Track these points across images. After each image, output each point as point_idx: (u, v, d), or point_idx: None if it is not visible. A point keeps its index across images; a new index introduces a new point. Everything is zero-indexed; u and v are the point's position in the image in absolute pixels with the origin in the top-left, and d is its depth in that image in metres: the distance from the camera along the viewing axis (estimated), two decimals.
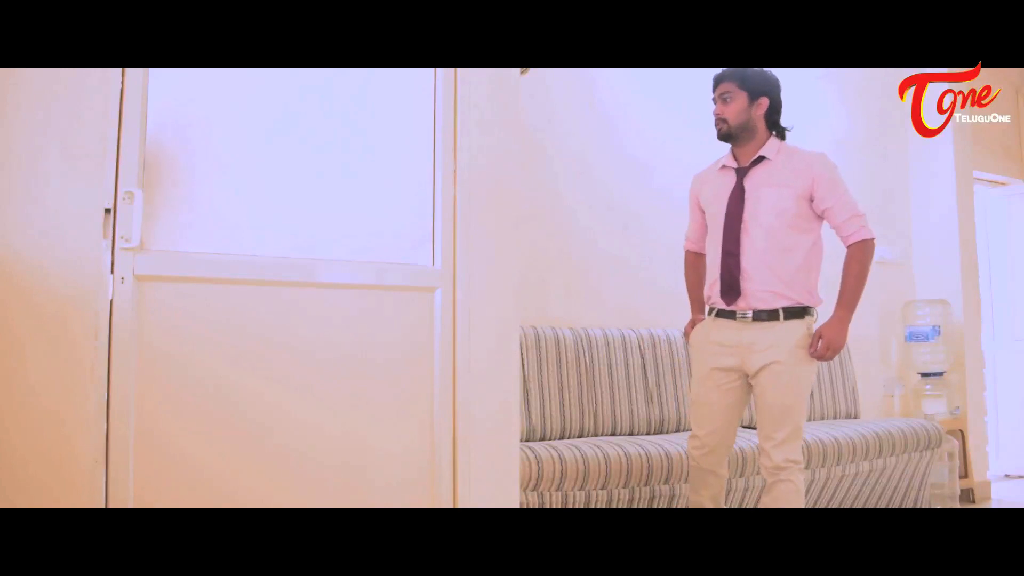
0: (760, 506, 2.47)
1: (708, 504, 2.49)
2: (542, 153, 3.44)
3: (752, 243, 2.38)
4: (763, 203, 2.39)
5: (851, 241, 2.41)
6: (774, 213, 2.38)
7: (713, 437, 2.43)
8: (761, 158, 2.44)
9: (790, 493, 2.31)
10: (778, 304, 2.36)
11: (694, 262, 2.67)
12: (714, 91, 2.48)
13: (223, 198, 1.92)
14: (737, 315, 2.40)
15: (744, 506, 3.00)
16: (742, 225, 2.39)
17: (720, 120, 2.45)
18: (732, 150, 2.51)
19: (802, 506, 2.34)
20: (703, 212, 2.57)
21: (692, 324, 2.63)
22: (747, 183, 2.43)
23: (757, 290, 2.37)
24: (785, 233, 2.38)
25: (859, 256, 2.40)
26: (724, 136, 2.47)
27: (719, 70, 2.49)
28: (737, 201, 2.41)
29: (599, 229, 3.57)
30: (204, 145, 1.91)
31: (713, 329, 2.46)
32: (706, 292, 2.52)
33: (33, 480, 1.69)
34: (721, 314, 2.44)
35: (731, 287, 2.39)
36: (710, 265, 2.49)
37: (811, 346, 2.35)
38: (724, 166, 2.52)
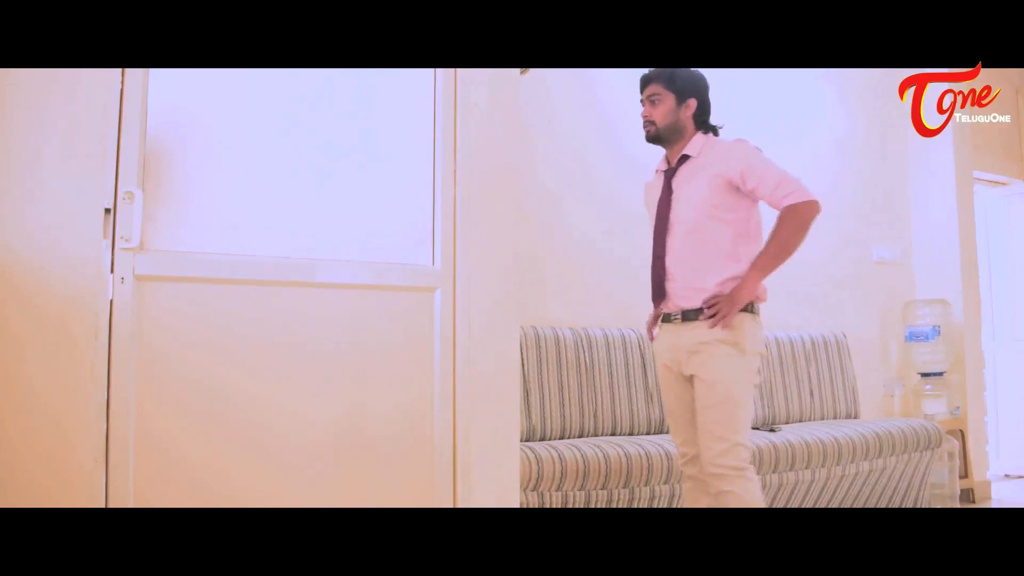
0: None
1: None
2: (542, 153, 3.44)
3: (674, 242, 2.34)
4: (683, 200, 2.34)
5: (782, 205, 2.27)
6: (691, 206, 2.32)
7: (689, 447, 2.36)
8: (685, 157, 2.39)
9: (732, 504, 2.15)
10: (700, 302, 2.28)
11: None
12: (641, 92, 2.44)
13: (223, 198, 1.92)
14: (672, 317, 2.36)
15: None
16: (668, 226, 2.36)
17: (648, 122, 2.41)
18: (665, 152, 2.48)
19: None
20: None
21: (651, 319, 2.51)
22: (674, 183, 2.39)
23: (680, 289, 2.32)
24: (704, 225, 2.30)
25: (788, 220, 2.26)
26: (653, 138, 2.43)
27: (665, 70, 2.41)
28: (665, 203, 2.38)
29: (599, 229, 3.57)
30: (204, 145, 1.91)
31: (659, 335, 2.44)
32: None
33: (33, 480, 1.69)
34: (663, 319, 2.41)
35: (658, 289, 2.37)
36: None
37: (706, 313, 2.24)
38: (658, 169, 2.50)
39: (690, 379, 2.32)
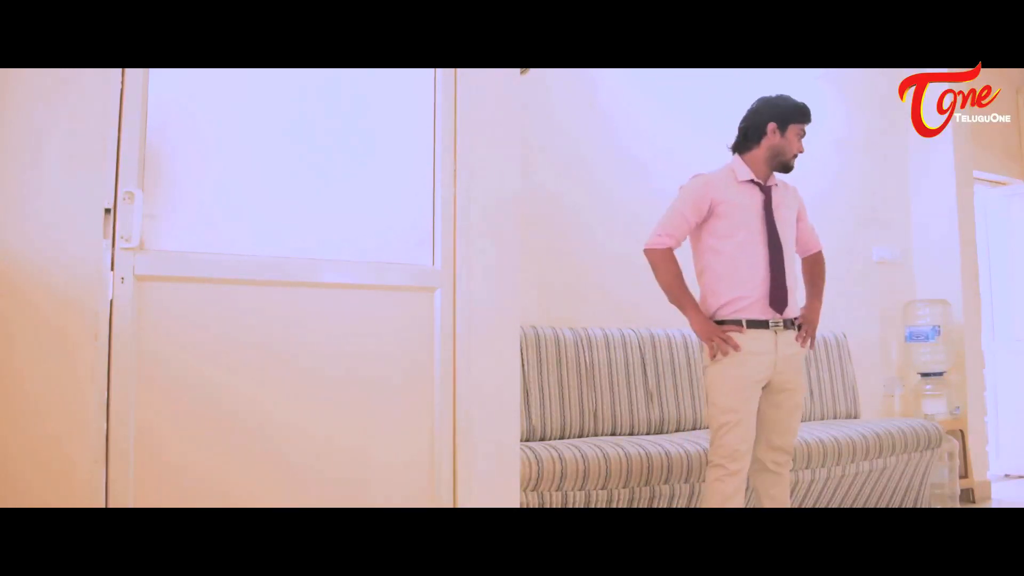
0: (767, 500, 2.58)
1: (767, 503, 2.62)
2: (542, 153, 3.44)
3: (786, 257, 2.56)
4: (783, 221, 2.58)
5: (817, 249, 2.80)
6: (790, 229, 2.61)
7: (751, 453, 2.52)
8: (775, 183, 2.64)
9: (785, 486, 2.59)
10: (798, 314, 2.61)
11: (673, 258, 2.56)
12: (803, 123, 2.59)
13: (223, 198, 1.92)
14: (770, 324, 2.48)
15: (746, 506, 3.00)
16: (780, 240, 2.53)
17: (798, 155, 2.61)
18: (747, 163, 2.58)
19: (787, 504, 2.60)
20: (712, 216, 2.51)
21: (714, 329, 2.45)
22: (773, 202, 2.58)
23: (792, 301, 2.55)
24: (792, 249, 2.63)
25: (823, 262, 2.82)
26: (791, 168, 2.62)
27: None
28: (771, 217, 2.55)
29: (599, 229, 3.57)
30: (204, 145, 1.91)
31: (749, 340, 2.44)
32: (735, 300, 2.46)
33: (33, 480, 1.69)
34: (753, 324, 2.46)
35: (781, 299, 2.49)
36: (746, 275, 2.46)
37: (801, 336, 2.57)
38: (748, 180, 2.56)
39: (781, 383, 2.51)
